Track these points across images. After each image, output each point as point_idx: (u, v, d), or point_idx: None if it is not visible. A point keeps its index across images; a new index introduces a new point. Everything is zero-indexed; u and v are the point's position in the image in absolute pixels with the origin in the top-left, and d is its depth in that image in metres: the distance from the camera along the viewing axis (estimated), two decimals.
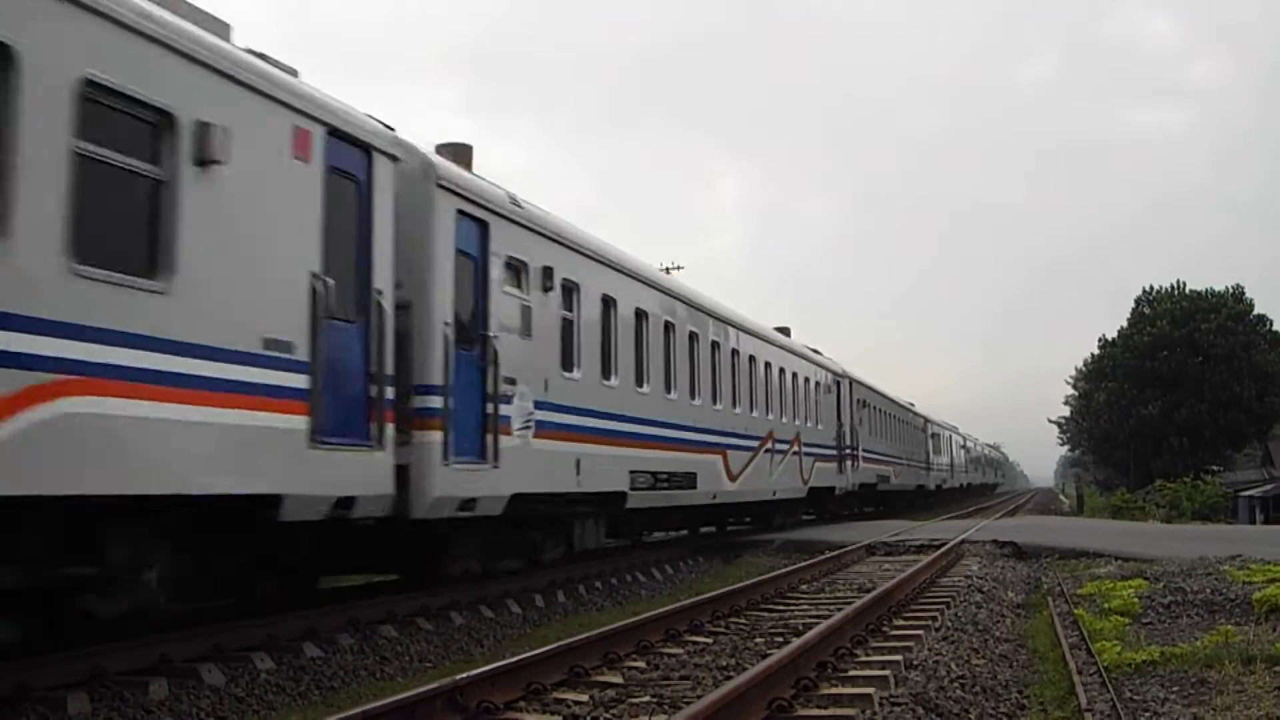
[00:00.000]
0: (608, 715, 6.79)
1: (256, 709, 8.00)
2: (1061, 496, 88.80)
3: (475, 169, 13.44)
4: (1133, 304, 69.55)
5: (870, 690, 7.11)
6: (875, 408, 37.94)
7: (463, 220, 11.88)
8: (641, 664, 8.58)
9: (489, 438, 12.14)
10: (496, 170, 13.66)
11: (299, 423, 9.16)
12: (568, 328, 14.43)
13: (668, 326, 18.32)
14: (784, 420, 25.45)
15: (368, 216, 10.24)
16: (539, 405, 13.18)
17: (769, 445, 23.84)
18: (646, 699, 7.20)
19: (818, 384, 29.11)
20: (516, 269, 13.03)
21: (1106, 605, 11.38)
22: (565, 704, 7.11)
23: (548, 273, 13.60)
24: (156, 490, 7.82)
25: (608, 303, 15.91)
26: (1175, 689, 7.56)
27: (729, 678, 7.48)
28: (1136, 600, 11.55)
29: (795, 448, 25.99)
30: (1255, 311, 66.41)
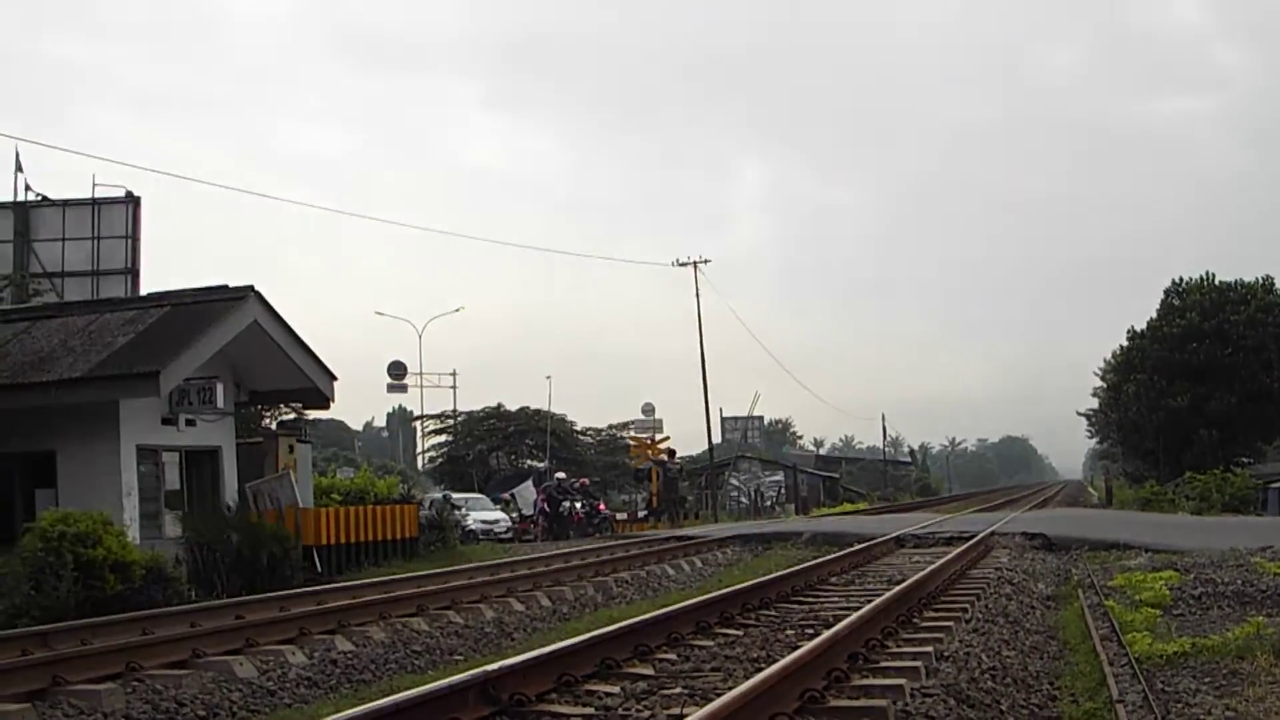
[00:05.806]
0: (639, 707, 6.80)
1: (288, 702, 8.07)
2: (1090, 489, 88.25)
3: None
4: (1162, 296, 69.11)
5: (902, 681, 7.09)
6: None
7: None
8: (672, 656, 8.60)
9: None
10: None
11: None
12: None
13: None
14: None
15: None
16: None
17: None
18: (678, 690, 7.21)
19: None
20: None
21: (1137, 597, 11.32)
22: (597, 695, 7.14)
23: None
24: None
25: None
26: (1207, 680, 7.52)
27: (760, 669, 7.48)
28: (1167, 592, 11.48)
29: None
30: None
